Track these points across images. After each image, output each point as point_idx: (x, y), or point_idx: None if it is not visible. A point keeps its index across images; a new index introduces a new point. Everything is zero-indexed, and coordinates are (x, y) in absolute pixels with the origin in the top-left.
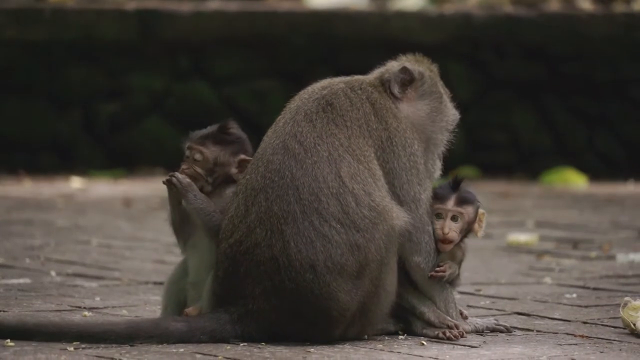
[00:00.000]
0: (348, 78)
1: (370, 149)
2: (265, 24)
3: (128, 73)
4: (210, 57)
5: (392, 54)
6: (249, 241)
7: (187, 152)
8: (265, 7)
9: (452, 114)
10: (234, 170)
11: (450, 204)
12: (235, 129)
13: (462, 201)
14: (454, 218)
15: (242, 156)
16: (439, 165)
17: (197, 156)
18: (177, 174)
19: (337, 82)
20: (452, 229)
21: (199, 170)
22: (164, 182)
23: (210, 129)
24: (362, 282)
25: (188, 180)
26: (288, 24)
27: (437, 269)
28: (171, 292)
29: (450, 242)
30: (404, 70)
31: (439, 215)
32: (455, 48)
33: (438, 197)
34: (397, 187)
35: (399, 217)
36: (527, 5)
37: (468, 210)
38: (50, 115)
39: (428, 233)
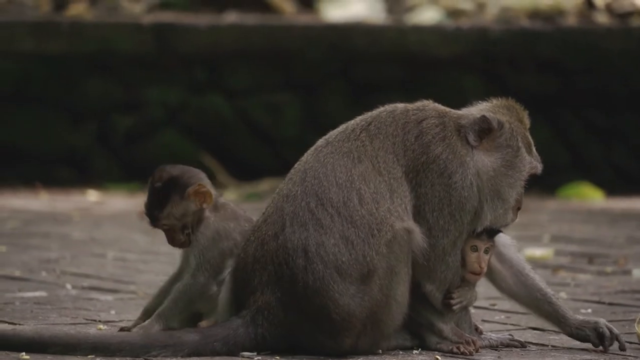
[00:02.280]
0: (423, 102)
1: (400, 168)
2: (281, 38)
3: (144, 86)
4: (226, 71)
5: (409, 68)
6: (261, 220)
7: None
8: (282, 20)
9: (527, 169)
10: (194, 207)
11: (484, 237)
12: (161, 175)
13: (491, 234)
14: (486, 251)
15: (189, 190)
16: (505, 218)
17: (166, 228)
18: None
19: (402, 104)
20: (486, 262)
21: (178, 237)
22: None
23: (147, 196)
24: (369, 288)
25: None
26: (304, 37)
27: (447, 298)
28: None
29: (481, 274)
30: (483, 119)
31: (473, 249)
32: (471, 62)
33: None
34: (427, 212)
35: (410, 230)
36: (544, 19)
37: (494, 242)
38: (67, 128)
39: (446, 263)
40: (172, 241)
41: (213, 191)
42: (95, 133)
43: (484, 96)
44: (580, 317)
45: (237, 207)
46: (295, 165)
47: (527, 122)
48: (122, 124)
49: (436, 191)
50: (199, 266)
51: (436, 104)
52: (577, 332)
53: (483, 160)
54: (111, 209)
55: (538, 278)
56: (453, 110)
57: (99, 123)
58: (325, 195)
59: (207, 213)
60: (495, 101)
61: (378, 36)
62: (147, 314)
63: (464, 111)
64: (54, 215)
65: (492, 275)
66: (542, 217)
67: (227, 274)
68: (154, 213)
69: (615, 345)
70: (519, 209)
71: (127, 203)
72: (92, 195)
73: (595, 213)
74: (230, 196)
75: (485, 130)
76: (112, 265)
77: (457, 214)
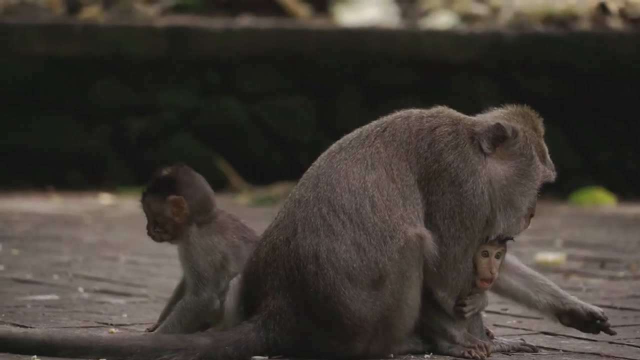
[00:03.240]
0: (438, 108)
1: (412, 176)
2: (295, 42)
3: (157, 89)
4: (239, 74)
5: (423, 73)
6: (273, 225)
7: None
8: (296, 24)
9: (540, 177)
10: (168, 214)
11: (495, 242)
12: (163, 172)
13: (502, 239)
14: (497, 256)
15: (171, 197)
16: (518, 226)
17: (145, 212)
18: None
19: (416, 110)
20: (497, 268)
21: (150, 227)
22: None
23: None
24: (381, 293)
25: None
26: (319, 41)
27: (460, 305)
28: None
29: (493, 280)
30: (498, 127)
31: (484, 254)
32: (485, 66)
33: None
34: (438, 220)
35: (423, 236)
36: (557, 24)
37: (505, 247)
38: (79, 131)
39: (458, 270)
40: (147, 228)
41: (188, 211)
42: (108, 136)
43: (497, 101)
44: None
45: (228, 218)
46: (308, 170)
47: (541, 129)
48: (135, 127)
49: (447, 199)
50: (196, 282)
51: (451, 110)
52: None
53: (496, 169)
54: (123, 212)
55: (544, 277)
56: (467, 117)
57: (112, 126)
58: (337, 202)
59: (193, 228)
60: (510, 108)
61: (392, 40)
62: (164, 319)
63: (478, 117)
64: (65, 219)
65: (497, 282)
66: (555, 222)
67: (224, 285)
68: (143, 192)
69: (626, 349)
70: (531, 216)
71: (140, 206)
72: (105, 199)
73: (607, 218)
74: (243, 200)
75: (499, 138)
76: (124, 269)
77: (469, 222)
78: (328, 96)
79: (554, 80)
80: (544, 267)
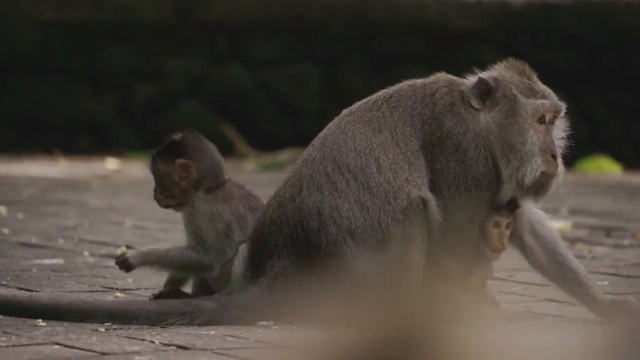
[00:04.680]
0: (437, 75)
1: (417, 142)
2: (302, 8)
3: (165, 56)
4: (247, 41)
5: (430, 41)
6: (282, 183)
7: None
8: None
9: (530, 111)
10: (176, 178)
11: (505, 212)
12: (182, 135)
13: (512, 209)
14: (507, 226)
15: (180, 160)
16: (525, 168)
17: (154, 175)
18: (123, 256)
19: (423, 79)
20: (507, 239)
21: (157, 190)
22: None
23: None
24: (385, 255)
25: (129, 250)
26: (325, 8)
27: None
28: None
29: (503, 251)
30: (480, 81)
31: (495, 225)
32: (492, 35)
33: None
34: (443, 188)
35: (427, 200)
36: None
37: (516, 218)
38: (87, 97)
39: (464, 239)
40: (153, 192)
41: (196, 176)
42: (116, 102)
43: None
44: (610, 297)
45: (235, 187)
46: (320, 134)
47: (530, 72)
48: (143, 93)
49: (452, 167)
50: (191, 243)
51: (448, 75)
52: (607, 312)
53: (487, 120)
54: (130, 177)
55: (570, 256)
56: (459, 79)
57: (120, 92)
58: (342, 160)
59: (199, 194)
60: (497, 65)
61: (399, 8)
62: (171, 282)
63: (467, 78)
64: (72, 183)
65: (525, 251)
66: (561, 190)
67: (232, 254)
68: (153, 155)
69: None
70: (553, 156)
71: (146, 171)
72: (111, 163)
73: (613, 186)
74: (249, 166)
75: (485, 91)
76: (130, 233)
77: (474, 191)
78: (335, 64)
79: (562, 50)
80: None
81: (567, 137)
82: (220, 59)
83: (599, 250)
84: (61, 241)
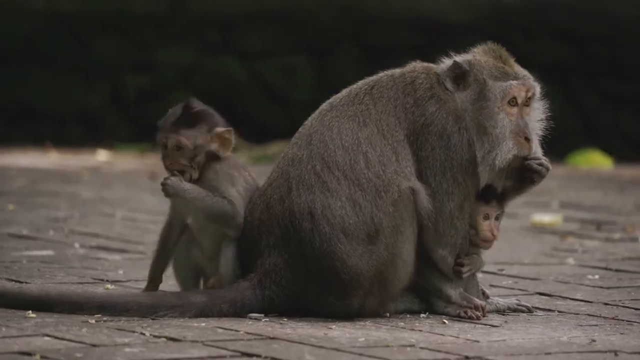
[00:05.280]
0: (413, 64)
1: (402, 132)
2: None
3: (157, 47)
4: (239, 32)
5: (421, 33)
6: (266, 183)
7: (164, 143)
8: None
9: (500, 93)
10: (214, 147)
11: (494, 204)
12: (200, 105)
13: (501, 199)
14: (497, 217)
15: (218, 129)
16: (498, 152)
17: (177, 147)
18: (170, 180)
19: (401, 69)
20: (498, 229)
21: (183, 161)
22: (165, 194)
23: (175, 112)
24: (376, 247)
25: (175, 178)
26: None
27: (458, 265)
28: (185, 272)
29: (494, 241)
30: (455, 64)
31: (485, 217)
32: (484, 29)
33: (482, 198)
34: (429, 176)
35: (416, 190)
36: None
37: (504, 208)
38: (78, 87)
39: (455, 227)
40: (173, 164)
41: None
42: (107, 93)
43: None
44: None
45: (232, 157)
46: (300, 129)
47: (507, 57)
48: (134, 84)
49: (437, 155)
50: (218, 193)
51: (423, 63)
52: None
53: (462, 101)
54: (121, 168)
55: None
56: (435, 65)
57: (111, 83)
58: (331, 159)
59: (215, 163)
60: (475, 48)
61: (392, 0)
62: (152, 282)
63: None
64: (63, 174)
65: None
66: (551, 183)
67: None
68: (179, 127)
69: (621, 311)
70: (527, 139)
71: (137, 163)
72: (103, 155)
73: (604, 180)
74: (240, 158)
75: (459, 75)
76: (120, 225)
77: (460, 177)
78: (326, 55)
79: (554, 42)
80: (540, 229)
81: (547, 119)
82: (212, 50)
83: (590, 243)
84: (51, 232)
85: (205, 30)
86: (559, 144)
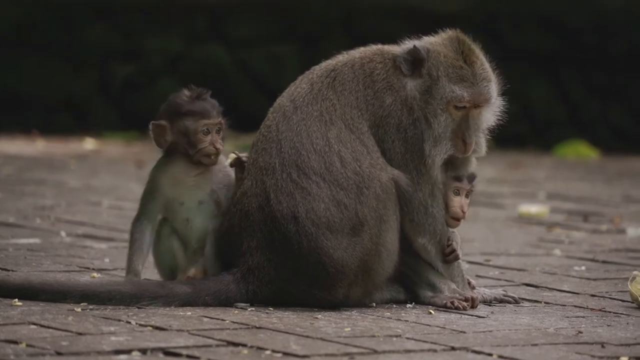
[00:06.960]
0: (372, 49)
1: (365, 123)
2: None
3: (144, 35)
4: (227, 21)
5: (409, 23)
6: (240, 192)
7: (211, 128)
8: None
9: (447, 97)
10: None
11: (465, 181)
12: (202, 90)
13: (472, 178)
14: (467, 195)
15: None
16: (437, 148)
17: (221, 131)
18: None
19: (356, 53)
20: (467, 207)
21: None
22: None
23: (205, 98)
24: (360, 239)
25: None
26: None
27: (448, 250)
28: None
29: (463, 218)
30: (414, 49)
31: (455, 192)
32: (472, 18)
33: (454, 176)
34: (394, 167)
35: (396, 179)
36: None
37: (474, 187)
38: (66, 75)
39: (432, 215)
40: (217, 142)
41: None
42: (95, 81)
43: (483, 53)
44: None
45: None
46: (265, 133)
47: (471, 54)
48: (122, 72)
49: (397, 147)
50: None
51: (383, 47)
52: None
53: (412, 89)
54: (108, 157)
55: None
56: (393, 47)
57: (99, 71)
58: (305, 165)
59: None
60: (442, 34)
61: None
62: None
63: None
64: (50, 162)
65: None
66: (538, 174)
67: None
68: (219, 113)
69: (608, 302)
70: (464, 142)
71: (125, 151)
72: (89, 143)
73: (591, 171)
74: (227, 147)
75: (417, 60)
76: (107, 214)
77: (423, 168)
78: (315, 43)
79: (541, 32)
80: (526, 220)
81: (503, 117)
82: (200, 38)
83: (577, 235)
84: (38, 221)
85: (193, 19)
86: (546, 134)
